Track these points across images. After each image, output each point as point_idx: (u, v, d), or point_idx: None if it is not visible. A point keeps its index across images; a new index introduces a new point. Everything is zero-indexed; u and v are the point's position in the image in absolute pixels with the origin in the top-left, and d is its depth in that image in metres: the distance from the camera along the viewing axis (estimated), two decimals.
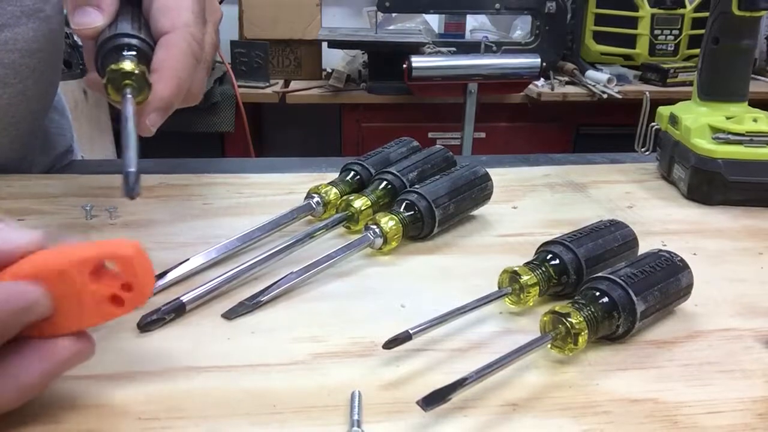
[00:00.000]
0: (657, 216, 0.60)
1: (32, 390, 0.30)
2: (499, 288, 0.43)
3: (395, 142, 0.62)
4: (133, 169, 0.36)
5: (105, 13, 0.41)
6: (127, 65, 0.39)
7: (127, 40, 0.41)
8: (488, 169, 0.56)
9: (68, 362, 0.31)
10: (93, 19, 0.41)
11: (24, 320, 0.29)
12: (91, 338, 0.32)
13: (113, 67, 0.39)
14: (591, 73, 2.12)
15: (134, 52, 0.40)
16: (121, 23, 0.42)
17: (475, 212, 0.57)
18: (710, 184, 0.63)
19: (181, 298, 0.41)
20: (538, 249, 0.45)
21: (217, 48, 0.48)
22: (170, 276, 0.45)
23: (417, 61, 1.79)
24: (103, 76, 0.41)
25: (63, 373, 0.31)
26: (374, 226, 0.49)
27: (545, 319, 0.38)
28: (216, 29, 0.48)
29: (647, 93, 0.76)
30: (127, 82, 0.39)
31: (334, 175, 0.59)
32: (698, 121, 0.65)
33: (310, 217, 0.55)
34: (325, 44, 2.15)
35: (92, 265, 0.30)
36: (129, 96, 0.39)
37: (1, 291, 0.29)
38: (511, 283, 0.43)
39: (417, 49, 2.05)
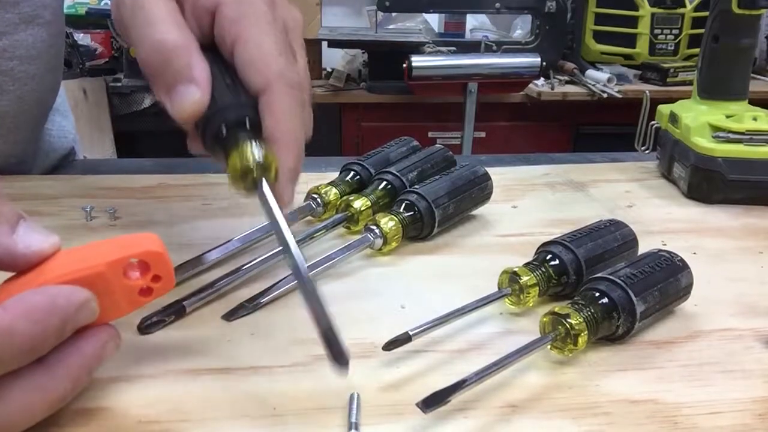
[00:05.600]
0: (657, 215, 0.60)
1: (84, 378, 0.31)
2: (499, 289, 0.43)
3: (395, 142, 0.62)
4: (331, 325, 0.32)
5: (201, 85, 0.36)
6: (252, 156, 0.35)
7: (234, 114, 0.36)
8: (488, 169, 0.56)
9: (109, 347, 0.32)
10: (192, 98, 0.36)
11: (77, 323, 0.30)
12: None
13: (236, 162, 0.35)
14: (591, 72, 2.12)
15: (246, 128, 0.36)
16: (218, 88, 0.37)
17: (475, 212, 0.57)
18: (710, 182, 0.63)
19: (181, 300, 0.41)
20: (537, 249, 0.45)
21: (307, 66, 0.42)
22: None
23: (417, 60, 1.79)
24: (212, 149, 0.37)
25: (105, 360, 0.32)
26: (374, 227, 0.49)
27: (545, 320, 0.38)
28: (302, 44, 0.42)
29: (647, 92, 0.76)
30: (255, 172, 0.35)
31: (334, 175, 0.59)
32: (698, 120, 0.65)
33: (310, 217, 0.55)
34: (325, 44, 2.15)
35: (125, 264, 0.32)
36: (266, 189, 0.35)
37: (55, 295, 0.29)
38: (510, 283, 0.43)
39: (417, 48, 2.05)
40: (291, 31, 0.41)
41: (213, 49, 0.39)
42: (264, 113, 0.37)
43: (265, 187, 0.35)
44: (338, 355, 0.32)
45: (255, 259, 0.46)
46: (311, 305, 0.33)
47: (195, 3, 0.38)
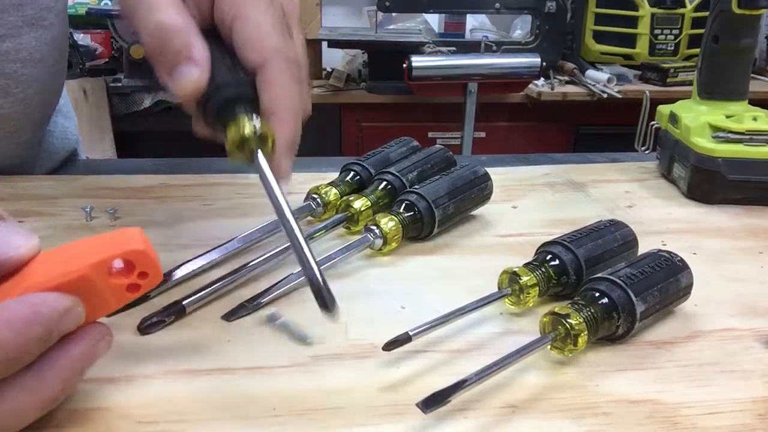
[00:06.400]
0: (657, 215, 0.60)
1: (75, 379, 0.31)
2: (499, 289, 0.43)
3: (395, 142, 0.62)
4: (319, 279, 0.34)
5: (200, 65, 0.38)
6: (249, 127, 0.36)
7: (232, 91, 0.38)
8: (488, 169, 0.56)
9: (100, 346, 0.32)
10: (191, 77, 0.37)
11: (62, 330, 0.30)
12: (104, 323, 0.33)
13: (234, 134, 0.37)
14: (591, 72, 2.11)
15: (244, 103, 0.38)
16: (217, 67, 0.38)
17: (475, 212, 0.57)
18: (710, 182, 0.63)
19: (181, 301, 0.41)
20: (537, 249, 0.45)
21: (305, 46, 0.44)
22: (174, 276, 0.45)
23: (417, 60, 1.79)
24: (213, 127, 0.39)
25: (97, 359, 0.32)
26: (374, 227, 0.49)
27: (545, 320, 0.38)
28: (299, 27, 0.43)
29: (647, 92, 0.76)
30: (252, 142, 0.37)
31: (334, 175, 0.59)
32: (698, 120, 0.65)
33: (310, 217, 0.55)
34: (325, 44, 2.15)
35: (109, 264, 0.31)
36: (261, 159, 0.37)
37: (38, 304, 0.29)
38: (510, 283, 0.43)
39: (417, 48, 2.05)
40: (288, 14, 0.42)
41: (213, 33, 0.40)
42: (261, 88, 0.38)
43: (262, 158, 0.37)
44: (327, 305, 0.35)
45: (255, 260, 0.46)
46: (302, 264, 0.35)
47: None
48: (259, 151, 0.37)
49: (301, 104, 0.40)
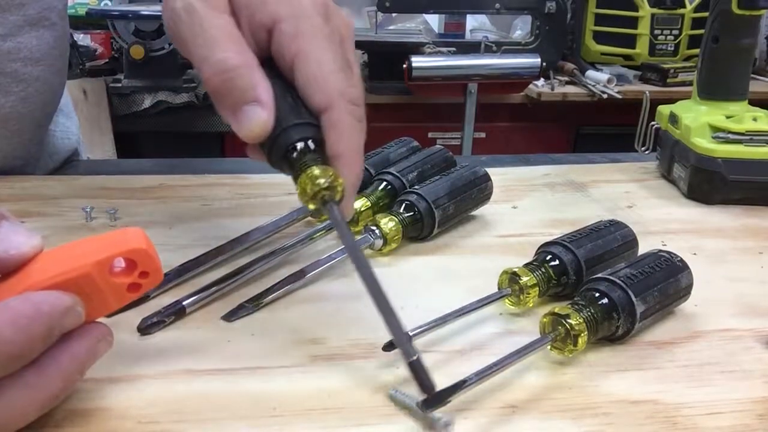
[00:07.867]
0: (657, 215, 0.60)
1: (76, 377, 0.31)
2: (499, 289, 0.43)
3: (395, 142, 0.62)
4: (417, 357, 0.33)
5: (267, 105, 0.36)
6: (322, 182, 0.35)
7: (300, 134, 0.37)
8: (488, 169, 0.56)
9: (101, 345, 0.32)
10: (259, 119, 0.36)
11: (64, 328, 0.30)
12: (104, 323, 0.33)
13: (306, 186, 0.36)
14: (591, 73, 2.11)
15: (312, 150, 0.37)
16: (281, 108, 0.37)
17: (475, 212, 0.57)
18: (710, 183, 0.63)
19: (181, 301, 0.41)
20: (537, 250, 0.45)
21: (360, 75, 0.42)
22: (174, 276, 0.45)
23: (417, 61, 1.79)
24: (278, 167, 0.38)
25: (97, 358, 0.32)
26: (374, 227, 0.49)
27: (545, 320, 0.38)
28: (356, 58, 0.42)
29: (647, 93, 0.76)
30: (324, 194, 0.36)
31: None
32: (698, 120, 0.65)
33: (309, 218, 0.55)
34: None
35: (111, 263, 0.31)
36: (334, 210, 0.36)
37: (40, 302, 0.29)
38: (510, 284, 0.43)
39: (417, 49, 2.05)
40: (345, 41, 0.41)
41: (270, 62, 0.39)
42: (327, 131, 0.37)
43: (333, 208, 0.36)
44: (425, 386, 0.33)
45: (255, 260, 0.46)
46: (392, 332, 0.35)
47: (251, 18, 0.38)
48: (333, 203, 0.36)
49: (362, 143, 0.40)
